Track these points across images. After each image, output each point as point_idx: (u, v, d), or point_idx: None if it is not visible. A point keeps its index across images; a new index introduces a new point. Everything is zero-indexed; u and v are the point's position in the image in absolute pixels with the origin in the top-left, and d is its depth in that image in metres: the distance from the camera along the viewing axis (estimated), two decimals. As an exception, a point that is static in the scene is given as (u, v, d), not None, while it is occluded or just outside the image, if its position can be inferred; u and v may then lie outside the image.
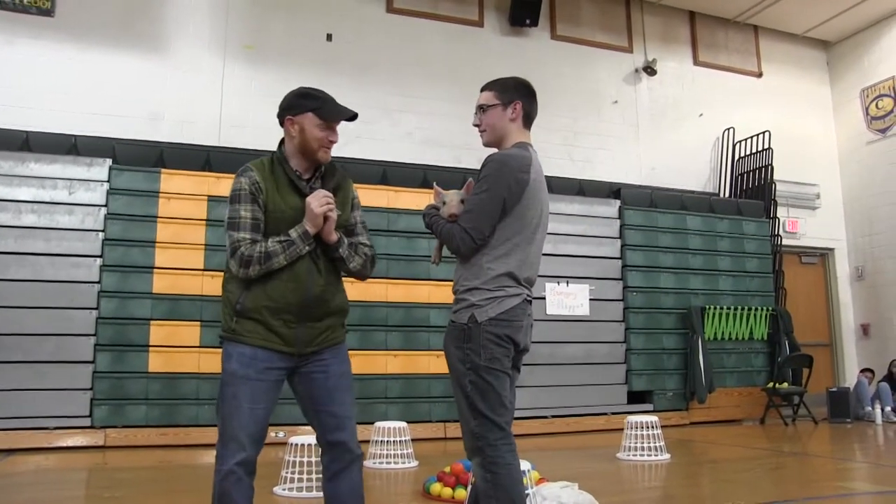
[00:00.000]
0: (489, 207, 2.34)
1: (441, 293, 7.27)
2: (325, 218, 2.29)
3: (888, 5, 9.95)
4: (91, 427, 6.10)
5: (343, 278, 2.49)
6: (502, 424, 2.28)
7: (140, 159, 6.88)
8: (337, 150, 8.79)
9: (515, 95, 2.52)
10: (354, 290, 7.71)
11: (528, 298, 2.42)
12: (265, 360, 2.28)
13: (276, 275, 2.28)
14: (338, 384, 2.37)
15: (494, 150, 2.55)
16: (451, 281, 7.88)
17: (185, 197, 6.73)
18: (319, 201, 2.28)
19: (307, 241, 2.28)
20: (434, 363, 7.11)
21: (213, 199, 6.78)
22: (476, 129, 2.60)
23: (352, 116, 2.39)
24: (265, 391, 2.28)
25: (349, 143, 8.01)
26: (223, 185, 6.86)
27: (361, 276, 2.49)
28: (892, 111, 10.11)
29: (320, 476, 3.97)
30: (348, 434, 2.34)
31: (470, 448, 2.32)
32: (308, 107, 2.37)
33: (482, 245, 2.36)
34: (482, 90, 2.58)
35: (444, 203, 2.47)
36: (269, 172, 2.35)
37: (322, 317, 2.36)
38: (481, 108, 2.55)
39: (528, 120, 2.56)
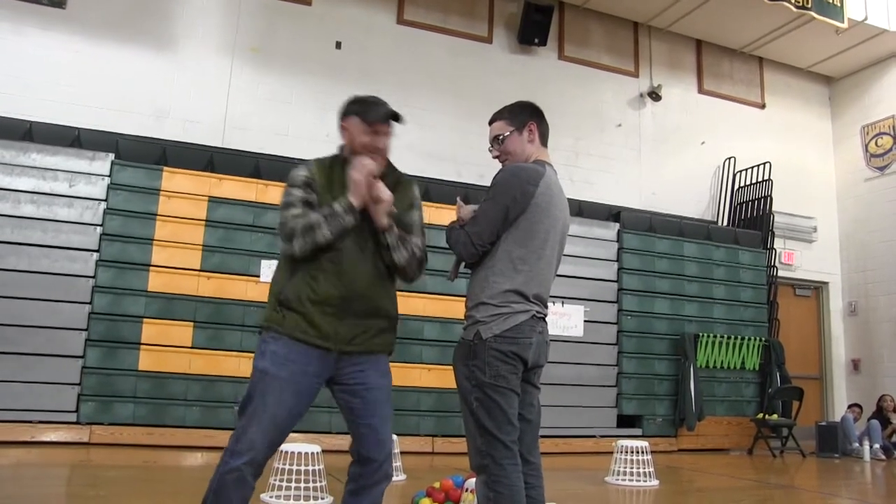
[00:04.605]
0: (491, 214, 2.36)
1: (436, 306, 7.25)
2: (377, 200, 2.27)
3: (891, 46, 10.07)
4: (76, 423, 6.04)
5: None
6: (508, 443, 2.26)
7: (143, 156, 6.87)
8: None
9: (527, 117, 2.54)
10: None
11: (539, 315, 2.40)
12: (300, 361, 2.23)
13: (319, 266, 2.25)
14: (378, 397, 2.32)
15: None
16: (446, 295, 7.78)
17: (185, 196, 6.71)
18: (359, 168, 2.27)
19: (350, 213, 2.25)
20: (425, 377, 7.08)
21: (213, 200, 6.77)
22: (497, 159, 2.60)
23: (390, 115, 2.37)
24: (294, 395, 2.23)
25: (352, 151, 8.02)
26: (224, 186, 6.85)
27: (407, 273, 2.40)
28: (891, 149, 10.19)
29: (308, 485, 3.96)
30: (384, 453, 2.30)
31: (475, 466, 2.31)
32: (353, 111, 2.42)
33: (484, 252, 2.38)
34: (491, 122, 2.59)
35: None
36: (327, 168, 2.39)
37: (366, 315, 2.30)
38: (497, 139, 2.55)
39: (543, 139, 2.59)
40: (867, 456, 7.98)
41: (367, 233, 2.31)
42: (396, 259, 2.35)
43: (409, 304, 7.17)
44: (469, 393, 2.31)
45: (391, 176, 2.44)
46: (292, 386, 2.22)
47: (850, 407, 9.14)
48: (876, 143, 10.42)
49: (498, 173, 2.44)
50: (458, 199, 2.64)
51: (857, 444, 8.26)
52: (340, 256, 2.27)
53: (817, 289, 10.71)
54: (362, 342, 2.30)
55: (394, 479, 4.94)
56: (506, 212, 2.35)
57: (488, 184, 2.47)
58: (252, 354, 6.14)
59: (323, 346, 2.25)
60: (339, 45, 8.35)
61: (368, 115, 2.38)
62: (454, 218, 2.57)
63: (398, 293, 7.75)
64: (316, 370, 2.27)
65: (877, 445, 8.15)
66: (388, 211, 2.30)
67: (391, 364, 7.08)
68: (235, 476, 2.15)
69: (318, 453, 4.11)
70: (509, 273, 2.35)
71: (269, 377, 2.22)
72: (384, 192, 2.28)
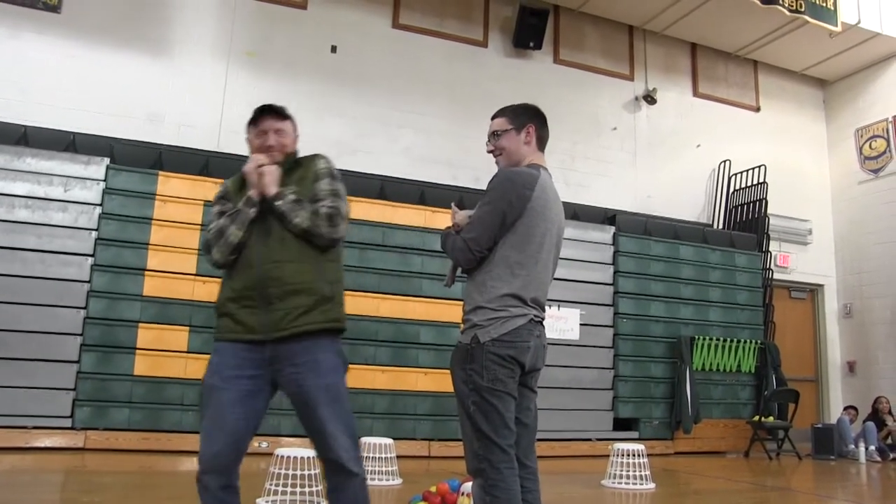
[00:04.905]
0: (488, 220, 2.36)
1: (433, 310, 7.25)
2: (260, 176, 2.37)
3: (884, 49, 10.12)
4: (71, 428, 6.01)
5: (328, 261, 2.40)
6: (505, 447, 2.26)
7: (138, 160, 6.86)
8: (335, 162, 8.74)
9: (527, 119, 2.55)
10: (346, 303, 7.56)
11: (537, 319, 2.41)
12: (233, 365, 2.28)
13: (234, 266, 2.36)
14: (317, 400, 2.25)
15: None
16: (443, 299, 7.77)
17: (181, 200, 6.70)
18: (248, 163, 2.41)
19: (249, 204, 2.37)
20: (422, 380, 7.07)
21: (209, 204, 6.71)
22: (491, 154, 2.61)
23: (262, 109, 2.49)
24: (232, 400, 2.25)
25: (346, 155, 8.03)
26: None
27: (314, 231, 2.33)
28: (884, 152, 10.23)
29: (303, 490, 3.95)
30: (337, 452, 2.25)
31: (472, 470, 2.30)
32: (248, 123, 2.56)
33: (481, 258, 2.37)
34: (493, 117, 2.60)
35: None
36: (240, 179, 2.51)
37: (283, 296, 2.29)
38: (495, 134, 2.56)
39: (541, 143, 2.59)
40: (863, 458, 8.00)
41: (271, 217, 2.37)
42: (298, 223, 2.33)
43: (406, 308, 7.18)
44: (466, 397, 2.30)
45: (289, 162, 2.52)
46: (229, 393, 2.26)
47: (845, 409, 9.17)
48: (870, 146, 10.46)
49: (493, 178, 2.44)
50: (452, 204, 2.64)
51: (852, 446, 8.28)
52: (248, 250, 2.36)
53: (813, 291, 10.73)
54: (288, 324, 2.27)
55: (391, 483, 4.97)
56: (503, 217, 2.35)
57: (484, 187, 2.47)
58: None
59: (252, 340, 2.29)
60: (334, 49, 8.36)
61: (250, 119, 2.53)
62: (449, 223, 2.56)
63: (399, 297, 7.68)
64: (253, 371, 2.30)
65: (872, 447, 8.18)
66: (274, 182, 2.37)
67: (390, 369, 7.00)
68: (199, 487, 2.24)
69: (313, 458, 4.10)
70: (507, 277, 2.35)
71: (207, 388, 2.31)
72: (266, 168, 2.38)
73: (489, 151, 2.60)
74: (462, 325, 2.43)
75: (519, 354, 2.31)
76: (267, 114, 2.49)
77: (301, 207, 2.34)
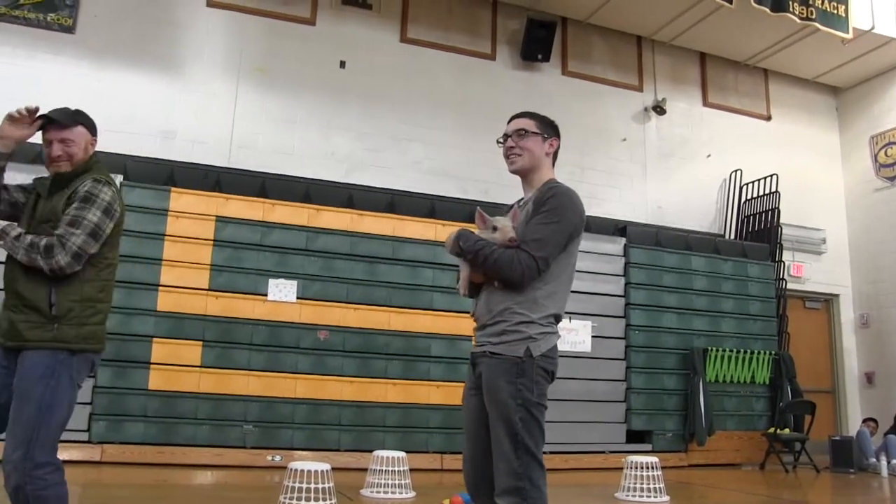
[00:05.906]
0: (559, 239, 2.30)
1: (443, 324, 7.26)
2: None
3: (898, 55, 10.05)
4: (88, 442, 6.06)
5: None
6: (543, 463, 2.23)
7: (151, 177, 6.94)
8: (345, 177, 8.85)
9: (553, 133, 2.54)
10: (356, 316, 7.59)
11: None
12: None
13: None
14: (14, 395, 2.39)
15: (518, 177, 2.54)
16: (453, 312, 7.73)
17: (193, 216, 6.77)
18: None
19: None
20: (434, 393, 7.07)
21: (221, 220, 6.82)
22: (509, 151, 2.50)
23: (45, 119, 2.52)
24: None
25: (356, 169, 8.08)
26: (232, 205, 6.91)
27: (36, 267, 2.38)
28: (900, 159, 10.15)
29: (318, 503, 3.96)
30: (5, 453, 2.34)
31: (507, 488, 2.17)
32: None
33: (538, 277, 2.30)
34: (519, 116, 2.55)
35: (494, 229, 2.32)
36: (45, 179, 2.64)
37: (13, 307, 2.41)
38: (521, 132, 2.48)
39: (555, 160, 2.59)
40: (885, 472, 7.79)
41: None
42: (20, 259, 2.40)
43: (416, 321, 7.20)
44: (514, 412, 2.21)
45: (68, 176, 2.55)
46: None
47: (865, 421, 9.01)
48: (885, 154, 10.37)
49: (556, 196, 2.34)
50: (478, 209, 2.48)
51: (873, 460, 8.11)
52: None
53: (828, 301, 10.62)
54: (15, 337, 2.40)
55: (404, 496, 4.96)
56: (569, 238, 2.34)
57: (494, 200, 2.48)
58: (261, 373, 6.22)
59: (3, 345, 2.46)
60: (343, 64, 8.44)
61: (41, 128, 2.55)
62: (475, 229, 2.40)
63: (409, 311, 7.64)
64: (4, 363, 2.45)
65: (895, 461, 8.01)
66: None
67: (401, 382, 6.99)
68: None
69: (327, 471, 4.11)
70: (554, 296, 2.34)
71: None
72: None
73: (509, 147, 2.49)
74: (501, 336, 2.29)
75: (555, 370, 2.34)
76: (49, 124, 2.52)
77: (19, 244, 2.38)
